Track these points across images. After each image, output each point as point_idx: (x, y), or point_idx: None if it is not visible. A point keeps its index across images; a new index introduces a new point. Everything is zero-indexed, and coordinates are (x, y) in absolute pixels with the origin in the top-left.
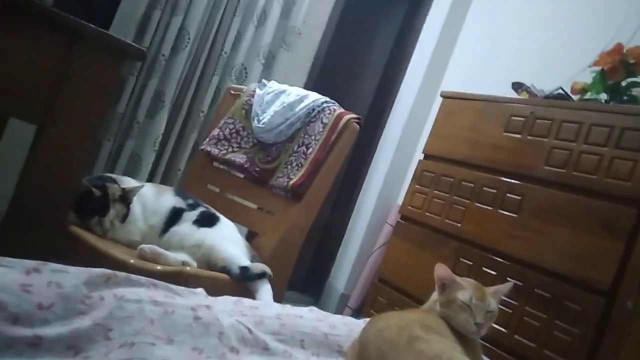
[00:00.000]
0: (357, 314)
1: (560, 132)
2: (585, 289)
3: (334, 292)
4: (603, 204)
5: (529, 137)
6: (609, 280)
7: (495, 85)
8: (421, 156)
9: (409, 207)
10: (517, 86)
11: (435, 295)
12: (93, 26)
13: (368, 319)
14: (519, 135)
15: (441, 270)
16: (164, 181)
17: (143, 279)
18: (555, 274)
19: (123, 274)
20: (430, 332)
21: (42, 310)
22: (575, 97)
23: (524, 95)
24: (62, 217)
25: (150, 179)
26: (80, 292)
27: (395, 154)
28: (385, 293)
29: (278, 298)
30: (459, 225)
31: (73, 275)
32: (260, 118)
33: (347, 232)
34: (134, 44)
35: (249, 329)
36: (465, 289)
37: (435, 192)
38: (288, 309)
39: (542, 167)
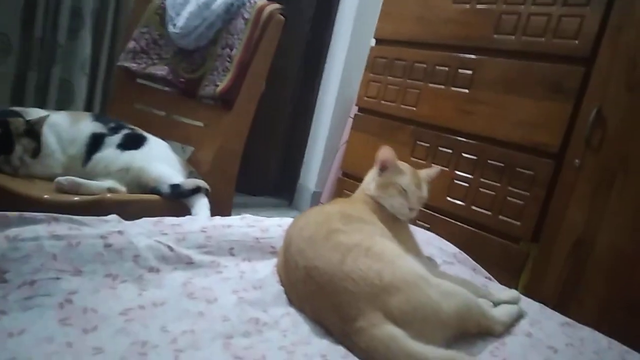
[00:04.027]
0: None
1: None
2: (537, 154)
3: (306, 191)
4: (551, 67)
5: (478, 6)
6: (558, 142)
7: None
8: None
9: (365, 98)
10: None
11: (369, 178)
12: None
13: None
14: (467, 5)
15: (386, 152)
16: (103, 106)
17: (41, 215)
18: (508, 144)
19: (15, 213)
20: (351, 222)
21: None
22: None
23: None
24: None
25: (88, 106)
26: None
27: (350, 43)
28: (349, 186)
29: (227, 208)
30: (415, 109)
31: None
32: (176, 22)
33: (312, 132)
34: None
35: (170, 247)
36: (405, 175)
37: (389, 78)
38: (216, 221)
39: (492, 37)
